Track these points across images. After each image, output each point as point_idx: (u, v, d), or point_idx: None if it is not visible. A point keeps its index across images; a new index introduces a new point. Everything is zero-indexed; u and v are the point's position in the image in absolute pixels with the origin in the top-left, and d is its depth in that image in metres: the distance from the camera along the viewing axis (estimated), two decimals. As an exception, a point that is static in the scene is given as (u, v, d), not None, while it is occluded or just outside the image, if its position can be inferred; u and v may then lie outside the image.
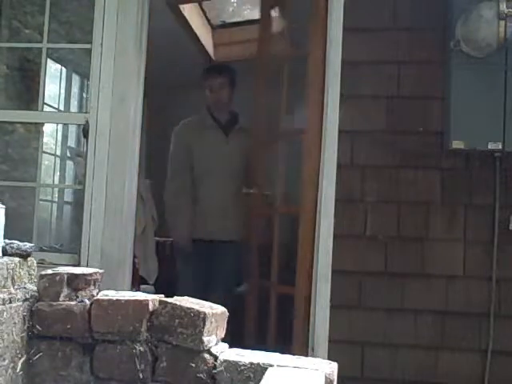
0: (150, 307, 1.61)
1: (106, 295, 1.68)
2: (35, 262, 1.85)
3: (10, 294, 1.64)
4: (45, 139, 3.34)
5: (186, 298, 1.66)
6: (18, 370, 1.63)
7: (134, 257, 3.09)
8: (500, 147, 2.48)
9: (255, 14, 5.54)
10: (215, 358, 1.53)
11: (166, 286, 3.06)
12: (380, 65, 2.70)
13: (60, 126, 4.11)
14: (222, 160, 3.60)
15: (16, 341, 1.63)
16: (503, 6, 2.41)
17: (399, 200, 2.63)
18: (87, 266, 2.61)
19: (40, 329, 1.67)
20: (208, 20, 5.20)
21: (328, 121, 2.62)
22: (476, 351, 2.54)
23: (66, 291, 1.70)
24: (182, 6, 4.42)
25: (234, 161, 3.61)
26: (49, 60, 3.43)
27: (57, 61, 3.94)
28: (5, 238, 1.77)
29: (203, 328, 1.52)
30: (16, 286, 1.71)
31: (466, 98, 2.52)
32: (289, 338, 2.71)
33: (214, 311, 1.58)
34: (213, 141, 3.62)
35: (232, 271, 3.60)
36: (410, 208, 2.63)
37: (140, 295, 1.67)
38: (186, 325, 1.54)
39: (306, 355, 2.34)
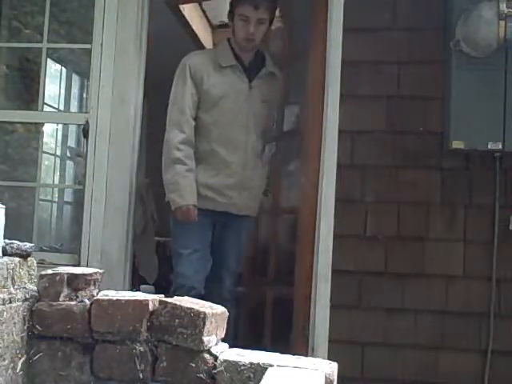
0: (150, 307, 1.60)
1: (106, 295, 1.68)
2: (35, 262, 1.84)
3: (10, 294, 1.64)
4: (45, 139, 3.34)
5: (185, 298, 1.66)
6: (17, 370, 1.63)
7: (134, 257, 3.09)
8: (500, 147, 2.48)
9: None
10: (215, 357, 1.53)
11: (166, 286, 3.06)
12: (380, 65, 2.69)
13: (60, 126, 4.11)
14: (240, 111, 2.84)
15: (16, 341, 1.63)
16: (503, 6, 2.41)
17: (399, 200, 2.63)
18: (87, 266, 2.61)
19: (40, 329, 1.67)
20: (208, 20, 5.20)
21: (328, 121, 2.62)
22: (476, 351, 2.54)
23: (66, 291, 1.70)
24: (182, 6, 4.42)
25: (255, 113, 2.87)
26: (49, 60, 3.43)
27: (57, 61, 3.94)
28: (5, 237, 1.77)
29: (203, 328, 1.52)
30: (16, 286, 1.71)
31: (466, 98, 2.52)
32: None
33: (214, 311, 1.58)
34: (231, 85, 2.85)
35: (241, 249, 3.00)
36: (410, 208, 2.63)
37: (140, 295, 1.67)
38: (186, 325, 1.54)
39: (306, 355, 2.34)
